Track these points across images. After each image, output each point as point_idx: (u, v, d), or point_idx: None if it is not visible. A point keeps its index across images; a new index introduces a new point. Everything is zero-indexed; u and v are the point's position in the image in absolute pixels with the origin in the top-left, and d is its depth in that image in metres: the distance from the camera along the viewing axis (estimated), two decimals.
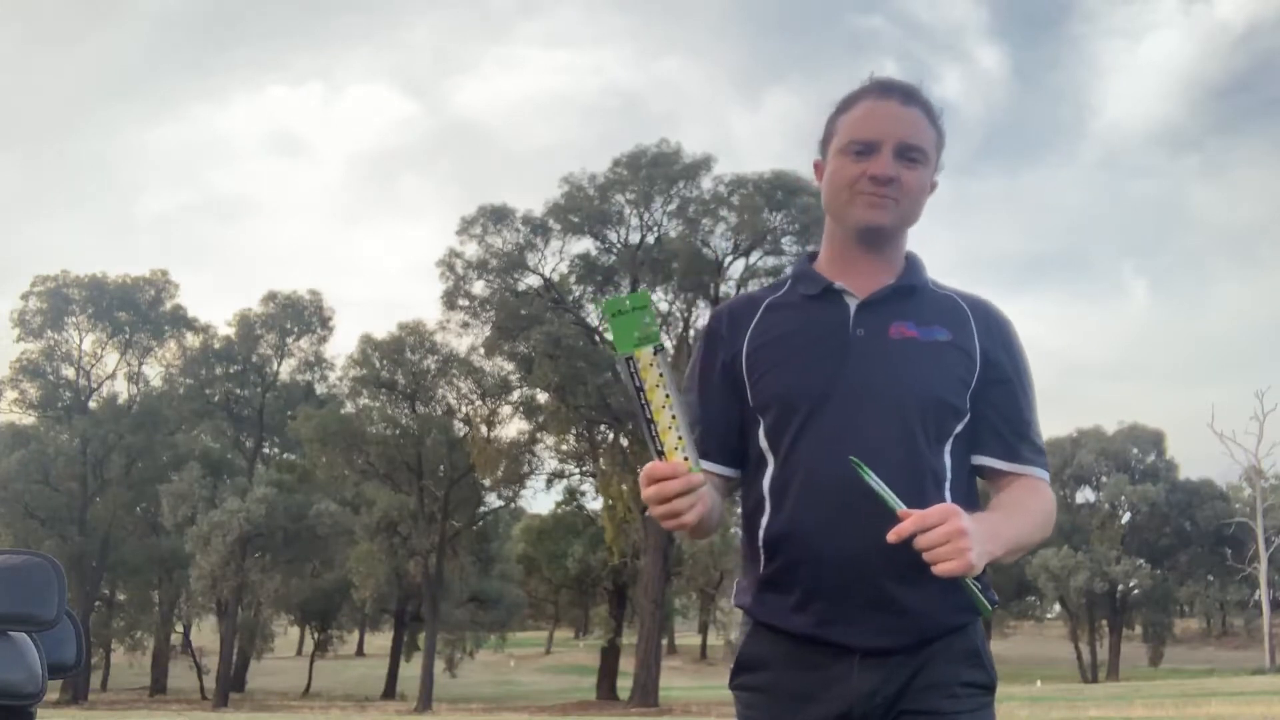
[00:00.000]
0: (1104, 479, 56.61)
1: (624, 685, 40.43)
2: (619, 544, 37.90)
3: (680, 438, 1.59)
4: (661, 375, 1.59)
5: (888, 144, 1.81)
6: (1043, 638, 68.71)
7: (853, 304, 1.85)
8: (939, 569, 1.57)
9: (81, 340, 47.06)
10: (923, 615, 1.73)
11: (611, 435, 37.10)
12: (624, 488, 36.04)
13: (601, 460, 37.27)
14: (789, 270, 2.02)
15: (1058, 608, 60.39)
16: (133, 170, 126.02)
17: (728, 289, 35.57)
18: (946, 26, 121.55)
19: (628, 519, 36.40)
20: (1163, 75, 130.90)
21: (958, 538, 1.56)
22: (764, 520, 1.83)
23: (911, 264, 1.91)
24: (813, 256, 1.96)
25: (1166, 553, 57.53)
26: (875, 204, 1.81)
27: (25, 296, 46.05)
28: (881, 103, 1.83)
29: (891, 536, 1.59)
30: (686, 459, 1.59)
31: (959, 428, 1.82)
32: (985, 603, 1.66)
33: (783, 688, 1.81)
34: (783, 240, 35.36)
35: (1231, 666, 53.21)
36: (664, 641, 46.18)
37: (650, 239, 35.88)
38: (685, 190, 35.54)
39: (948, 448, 1.80)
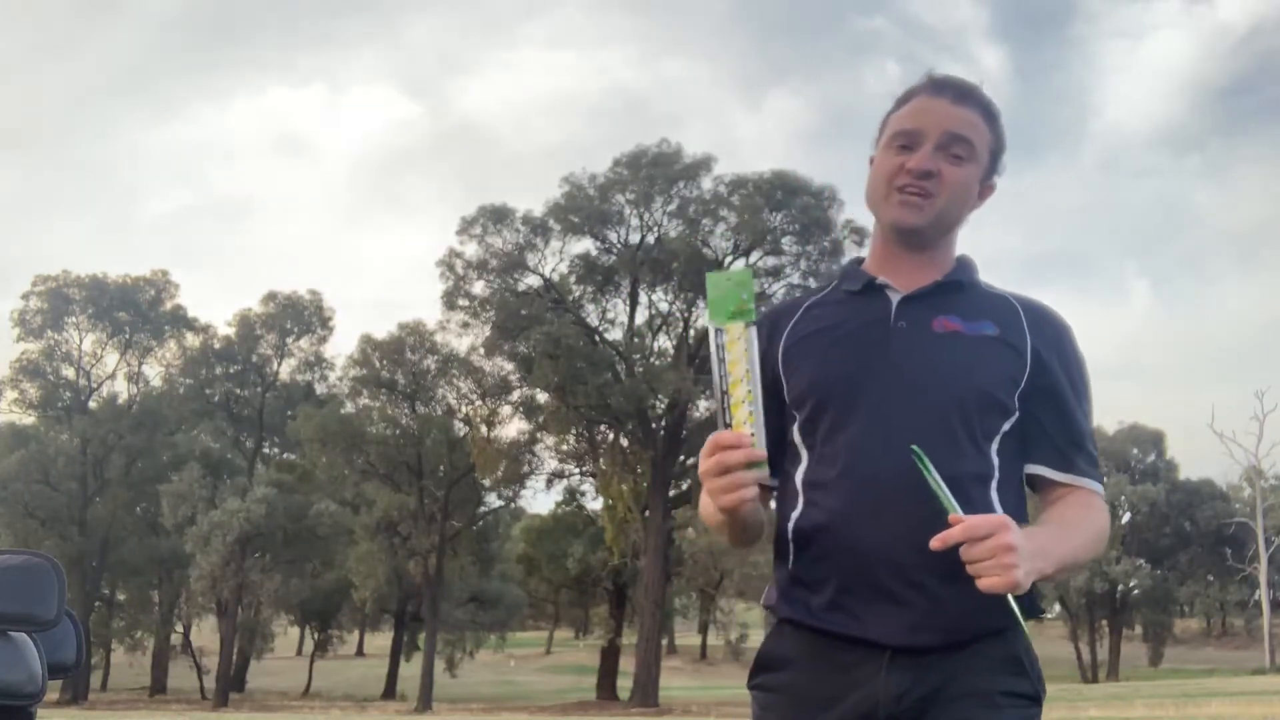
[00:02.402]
0: (1104, 479, 56.51)
1: (624, 685, 40.43)
2: (619, 544, 37.88)
3: (751, 413, 1.58)
4: (747, 352, 1.59)
5: (931, 136, 1.77)
6: (1043, 638, 68.43)
7: (895, 298, 1.81)
8: (982, 584, 1.51)
9: (81, 340, 47.12)
10: (958, 614, 1.63)
11: (611, 435, 37.08)
12: (624, 488, 36.01)
13: (601, 460, 37.22)
14: (835, 270, 1.99)
15: (1058, 608, 60.30)
16: (134, 171, 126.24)
17: None
18: (948, 28, 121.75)
19: (628, 519, 36.38)
20: (1164, 76, 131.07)
21: (1004, 553, 1.50)
22: (795, 513, 1.76)
23: (962, 264, 1.87)
24: (862, 260, 1.92)
25: (1166, 553, 57.56)
26: (908, 203, 1.77)
27: (25, 296, 46.14)
28: (933, 99, 1.80)
29: (935, 543, 1.53)
30: (753, 435, 1.57)
31: (1006, 426, 1.74)
32: (1022, 620, 1.59)
33: (804, 688, 1.73)
34: (783, 240, 35.35)
35: (1231, 666, 53.22)
36: (664, 641, 46.18)
37: (650, 239, 35.85)
38: (685, 190, 35.53)
39: (995, 446, 1.73)
